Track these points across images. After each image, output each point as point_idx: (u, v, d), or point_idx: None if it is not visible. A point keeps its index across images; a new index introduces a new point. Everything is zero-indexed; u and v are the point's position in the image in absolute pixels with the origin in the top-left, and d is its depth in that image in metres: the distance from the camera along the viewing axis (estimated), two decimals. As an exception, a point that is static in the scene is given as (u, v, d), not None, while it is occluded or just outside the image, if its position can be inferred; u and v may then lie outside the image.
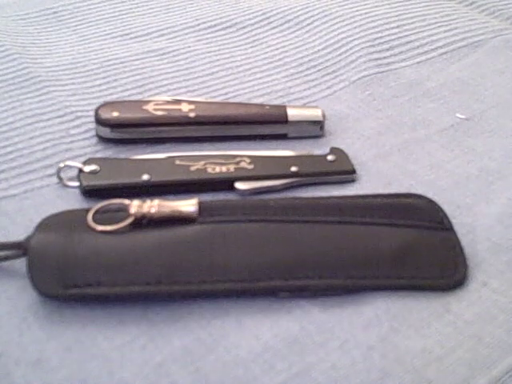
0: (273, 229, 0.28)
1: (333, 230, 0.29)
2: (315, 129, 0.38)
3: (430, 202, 0.31)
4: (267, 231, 0.28)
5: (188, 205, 0.28)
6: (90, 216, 0.28)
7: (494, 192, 0.33)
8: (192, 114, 0.36)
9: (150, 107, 0.36)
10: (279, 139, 0.37)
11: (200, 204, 0.29)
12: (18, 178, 0.33)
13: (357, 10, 0.51)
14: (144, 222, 0.28)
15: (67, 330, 0.25)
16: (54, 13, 0.50)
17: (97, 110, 0.36)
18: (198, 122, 0.36)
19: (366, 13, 0.50)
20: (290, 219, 0.29)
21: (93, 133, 0.36)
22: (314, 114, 0.38)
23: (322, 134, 0.38)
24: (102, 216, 0.28)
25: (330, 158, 0.35)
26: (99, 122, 0.36)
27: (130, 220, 0.28)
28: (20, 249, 0.26)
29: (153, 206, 0.28)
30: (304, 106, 0.40)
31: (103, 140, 0.36)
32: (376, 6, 0.52)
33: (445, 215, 0.30)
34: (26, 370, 0.23)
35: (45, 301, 0.26)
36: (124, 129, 0.36)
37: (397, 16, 0.50)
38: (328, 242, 0.28)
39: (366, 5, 0.52)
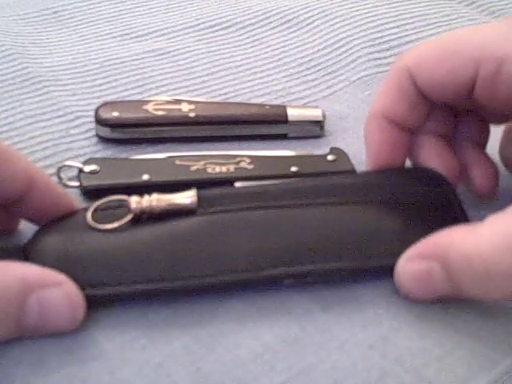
0: (273, 215, 0.28)
1: (334, 212, 0.28)
2: (315, 129, 0.38)
3: (438, 175, 0.30)
4: (268, 218, 0.28)
5: (184, 197, 0.28)
6: (89, 215, 0.28)
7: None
8: (192, 114, 0.36)
9: (150, 107, 0.36)
10: (279, 139, 0.37)
11: (199, 195, 0.28)
12: (18, 178, 0.33)
13: (357, 10, 0.51)
14: (144, 218, 0.28)
15: (67, 330, 0.25)
16: (54, 13, 0.50)
17: (97, 110, 0.36)
18: (197, 121, 0.36)
19: (365, 13, 0.50)
20: (291, 203, 0.28)
21: (93, 133, 0.36)
22: (314, 113, 0.38)
23: (322, 134, 0.38)
24: (101, 214, 0.28)
25: (330, 157, 0.35)
26: (99, 121, 0.36)
27: (129, 217, 0.27)
28: (21, 252, 0.26)
29: (151, 200, 0.28)
30: (304, 106, 0.40)
31: (103, 140, 0.36)
32: (376, 6, 0.51)
33: (452, 190, 0.30)
34: (26, 370, 0.23)
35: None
36: (124, 129, 0.36)
37: (397, 16, 0.50)
38: (330, 224, 0.28)
39: (365, 5, 0.52)
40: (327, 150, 0.35)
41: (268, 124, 0.37)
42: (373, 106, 0.31)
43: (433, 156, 0.31)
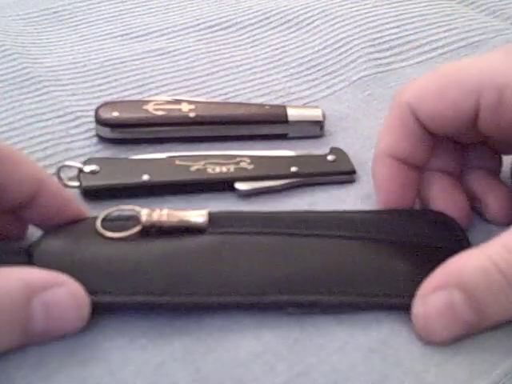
0: (283, 242, 0.28)
1: (345, 246, 0.28)
2: (315, 129, 0.38)
3: (450, 220, 0.30)
4: (278, 244, 0.27)
5: (198, 215, 0.28)
6: (98, 222, 0.27)
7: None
8: (192, 114, 0.36)
9: (150, 107, 0.36)
10: (279, 139, 0.37)
11: (210, 215, 0.28)
12: (18, 178, 0.32)
13: (357, 10, 0.51)
14: (153, 231, 0.27)
15: (67, 330, 0.25)
16: (54, 13, 0.50)
17: (97, 110, 0.36)
18: (197, 121, 0.36)
19: (365, 13, 0.50)
20: (302, 233, 0.28)
21: (93, 133, 0.36)
22: (314, 113, 0.38)
23: (322, 134, 0.38)
24: (110, 223, 0.28)
25: (330, 158, 0.35)
26: (99, 121, 0.36)
27: (138, 228, 0.27)
28: (25, 255, 0.26)
29: (162, 214, 0.28)
30: (304, 106, 0.40)
31: (103, 140, 0.36)
32: (376, 6, 0.51)
33: (464, 235, 0.29)
34: (27, 371, 0.23)
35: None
36: (124, 129, 0.36)
37: (397, 16, 0.50)
38: (340, 257, 0.27)
39: (365, 5, 0.52)
40: (327, 150, 0.35)
41: (268, 124, 0.37)
42: (378, 146, 0.30)
43: (441, 196, 0.30)
